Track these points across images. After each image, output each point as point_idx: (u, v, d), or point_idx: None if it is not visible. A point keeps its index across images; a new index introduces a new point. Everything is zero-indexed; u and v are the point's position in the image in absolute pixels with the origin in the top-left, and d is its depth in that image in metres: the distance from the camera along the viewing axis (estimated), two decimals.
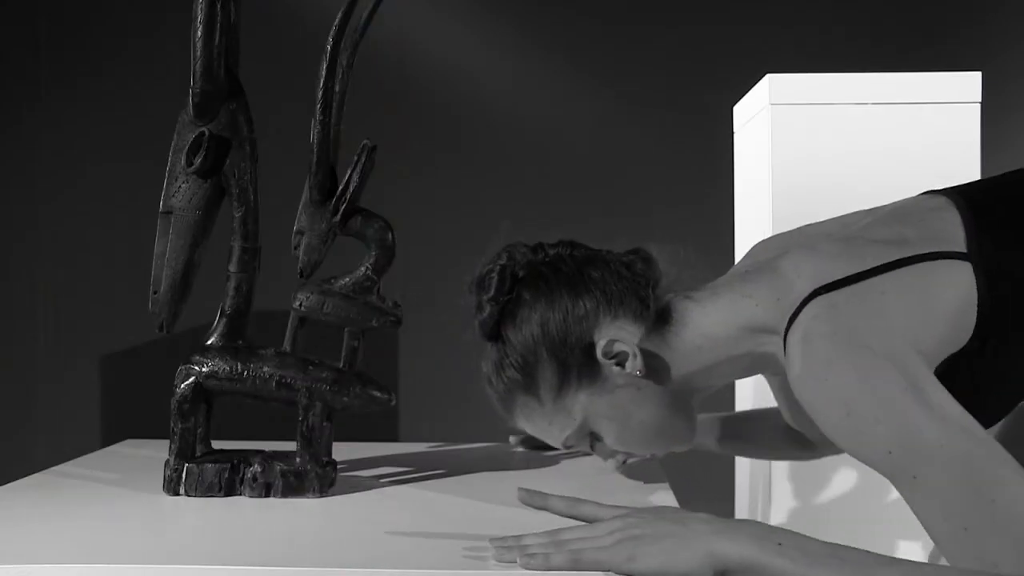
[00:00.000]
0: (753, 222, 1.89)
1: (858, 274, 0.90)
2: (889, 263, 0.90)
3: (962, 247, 0.92)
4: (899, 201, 1.05)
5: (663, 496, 1.13)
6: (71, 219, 2.59)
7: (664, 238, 1.09)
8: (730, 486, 2.15)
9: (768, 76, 1.77)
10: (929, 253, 0.91)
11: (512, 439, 1.44)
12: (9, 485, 1.17)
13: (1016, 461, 0.76)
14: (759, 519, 1.39)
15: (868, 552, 0.74)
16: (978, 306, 0.90)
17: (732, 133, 2.09)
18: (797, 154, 1.74)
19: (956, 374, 0.91)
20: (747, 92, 1.94)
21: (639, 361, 0.99)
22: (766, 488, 1.80)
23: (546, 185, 2.51)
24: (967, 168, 1.71)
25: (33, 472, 1.24)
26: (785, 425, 1.30)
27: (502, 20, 2.57)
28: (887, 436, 0.80)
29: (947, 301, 0.89)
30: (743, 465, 2.02)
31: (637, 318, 1.01)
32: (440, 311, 2.56)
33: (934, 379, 0.83)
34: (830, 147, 1.74)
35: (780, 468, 1.80)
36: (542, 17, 2.56)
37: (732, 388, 2.02)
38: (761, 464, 1.82)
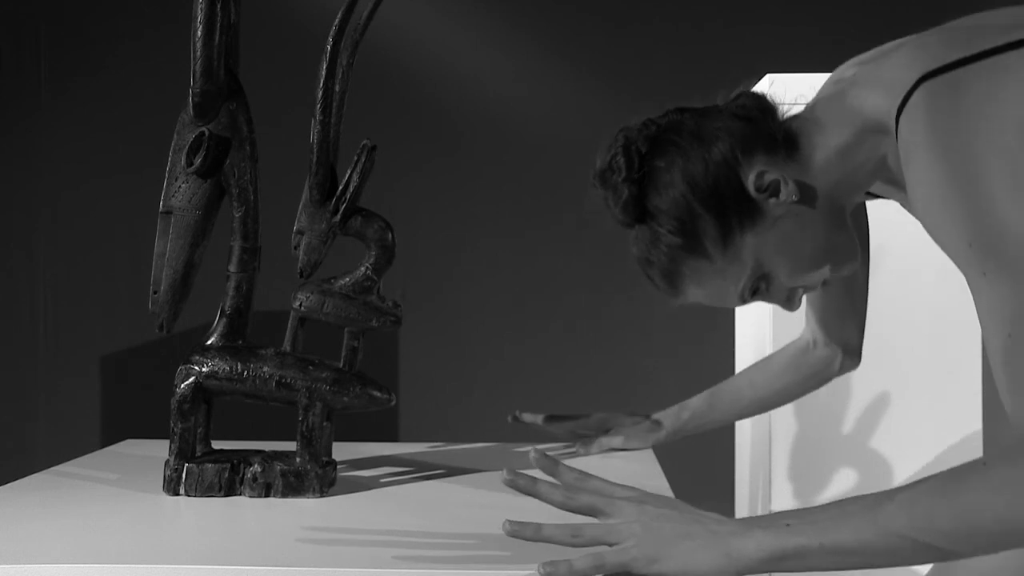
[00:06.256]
0: None
1: (978, 54, 0.84)
2: (1016, 41, 0.84)
3: None
4: None
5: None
6: (71, 219, 2.59)
7: None
8: (730, 485, 2.15)
9: (768, 76, 1.77)
10: None
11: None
12: (9, 485, 1.17)
13: None
14: None
15: (867, 495, 0.74)
16: None
17: None
18: None
19: None
20: None
21: (792, 186, 0.99)
22: (766, 487, 1.80)
23: (546, 185, 2.51)
24: None
25: (33, 472, 1.24)
26: (778, 364, 1.29)
27: (502, 20, 2.57)
28: (973, 230, 0.79)
29: None
30: (743, 464, 2.02)
31: (770, 150, 1.01)
32: (440, 311, 2.56)
33: None
34: None
35: (780, 468, 1.80)
36: (542, 17, 2.57)
37: (731, 368, 2.02)
38: (761, 462, 1.82)
